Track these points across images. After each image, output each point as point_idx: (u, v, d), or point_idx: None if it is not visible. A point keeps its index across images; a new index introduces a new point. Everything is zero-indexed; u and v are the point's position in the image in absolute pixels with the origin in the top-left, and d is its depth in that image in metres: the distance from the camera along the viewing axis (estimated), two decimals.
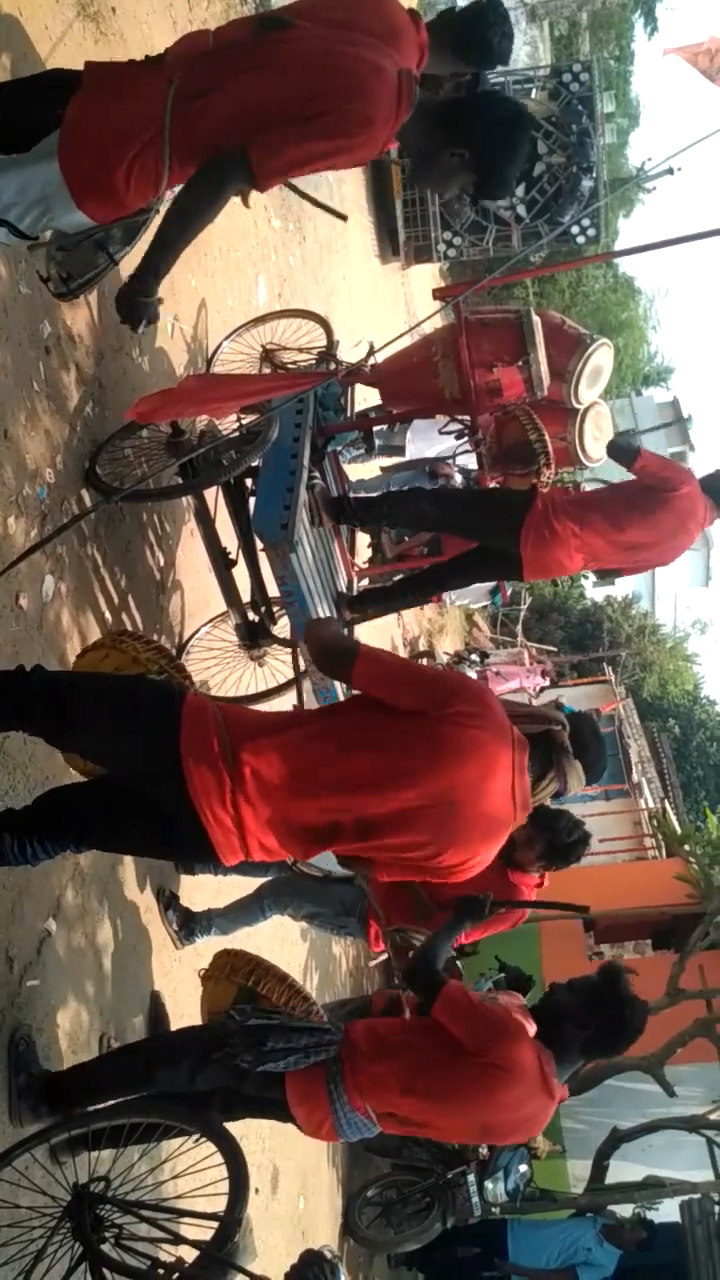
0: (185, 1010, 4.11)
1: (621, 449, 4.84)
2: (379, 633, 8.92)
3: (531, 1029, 3.29)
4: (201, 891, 4.58)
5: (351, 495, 4.82)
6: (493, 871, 4.29)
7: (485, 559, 4.80)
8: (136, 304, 2.76)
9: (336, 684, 3.79)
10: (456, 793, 2.47)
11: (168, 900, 4.22)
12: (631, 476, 4.76)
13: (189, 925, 4.30)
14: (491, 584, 6.09)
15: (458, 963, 4.19)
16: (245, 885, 4.68)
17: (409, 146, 2.79)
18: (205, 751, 2.41)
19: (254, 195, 2.75)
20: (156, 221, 2.73)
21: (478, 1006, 3.12)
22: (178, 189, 2.64)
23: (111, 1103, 2.92)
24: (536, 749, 2.64)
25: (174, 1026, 3.96)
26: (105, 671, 3.02)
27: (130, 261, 2.85)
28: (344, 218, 4.20)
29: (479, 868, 2.65)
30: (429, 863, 2.59)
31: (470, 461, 5.19)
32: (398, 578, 5.39)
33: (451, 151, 2.74)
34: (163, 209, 2.70)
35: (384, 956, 4.64)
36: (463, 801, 2.48)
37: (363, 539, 5.49)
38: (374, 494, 5.18)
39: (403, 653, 10.47)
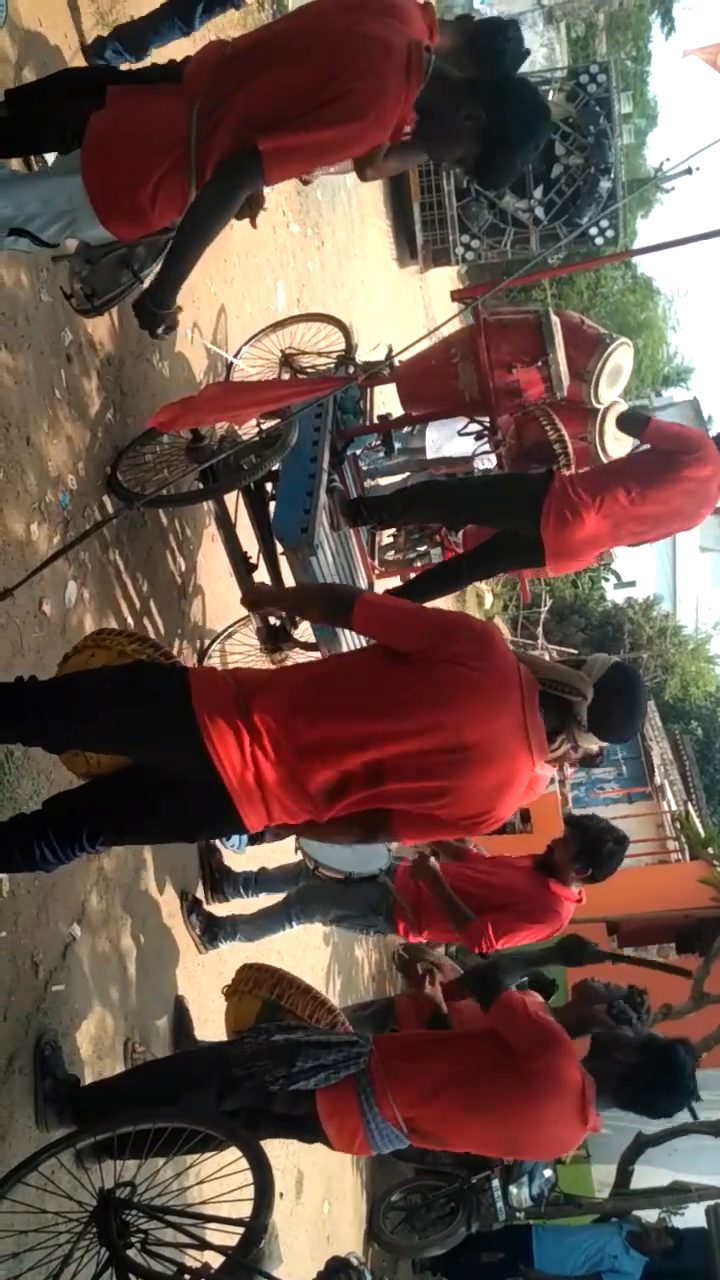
0: (209, 1016, 4.12)
1: (631, 419, 4.77)
2: None
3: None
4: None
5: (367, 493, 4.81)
6: (535, 884, 4.28)
7: (507, 547, 4.71)
8: (155, 315, 2.77)
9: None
10: (464, 734, 2.42)
11: (191, 904, 4.23)
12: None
13: (212, 929, 4.31)
14: None
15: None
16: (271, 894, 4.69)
17: (422, 104, 2.65)
18: (220, 706, 2.39)
19: (269, 207, 2.74)
20: None
21: (535, 1016, 3.09)
22: None
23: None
24: (553, 707, 2.58)
25: (198, 1033, 3.96)
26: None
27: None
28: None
29: (500, 818, 2.59)
30: (443, 812, 2.53)
31: (490, 462, 5.17)
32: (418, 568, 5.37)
33: (468, 114, 2.64)
34: None
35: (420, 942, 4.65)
36: (472, 743, 2.43)
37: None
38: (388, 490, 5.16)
39: None
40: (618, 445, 5.50)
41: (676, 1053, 3.13)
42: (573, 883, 4.24)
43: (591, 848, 4.18)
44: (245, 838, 4.24)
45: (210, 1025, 4.06)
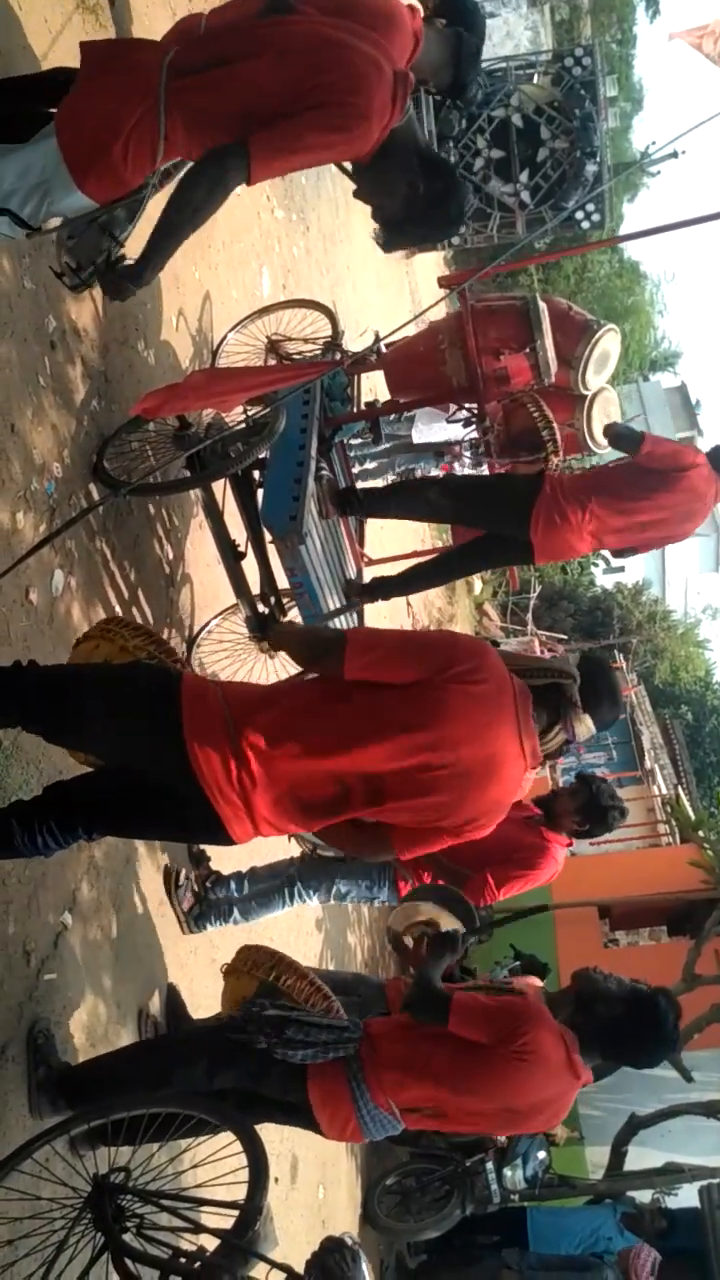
0: (201, 1003, 4.12)
1: (624, 436, 4.81)
2: (389, 623, 8.91)
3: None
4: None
5: (358, 484, 4.81)
6: (527, 832, 4.33)
7: (496, 544, 4.79)
8: (124, 287, 2.80)
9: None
10: (463, 751, 2.46)
11: (177, 879, 4.20)
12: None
13: (200, 908, 4.28)
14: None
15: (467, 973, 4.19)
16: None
17: (390, 141, 2.75)
18: (209, 732, 2.40)
19: (257, 186, 2.76)
20: (155, 199, 2.74)
21: (490, 1005, 3.10)
22: (173, 163, 2.65)
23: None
24: (545, 700, 2.63)
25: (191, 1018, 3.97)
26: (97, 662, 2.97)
27: (134, 243, 2.86)
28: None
29: (496, 822, 2.64)
30: (444, 823, 2.58)
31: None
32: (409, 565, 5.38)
33: (411, 180, 2.78)
34: (163, 188, 2.72)
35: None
36: (471, 759, 2.47)
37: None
38: (379, 480, 5.15)
39: None
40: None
41: (659, 1003, 3.17)
42: (564, 832, 4.29)
43: (597, 808, 4.26)
44: None
45: (202, 1012, 4.06)
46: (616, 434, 4.92)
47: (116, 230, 2.88)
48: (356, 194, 3.00)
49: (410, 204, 2.82)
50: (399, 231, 3.00)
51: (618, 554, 5.02)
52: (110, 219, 2.85)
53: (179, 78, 2.55)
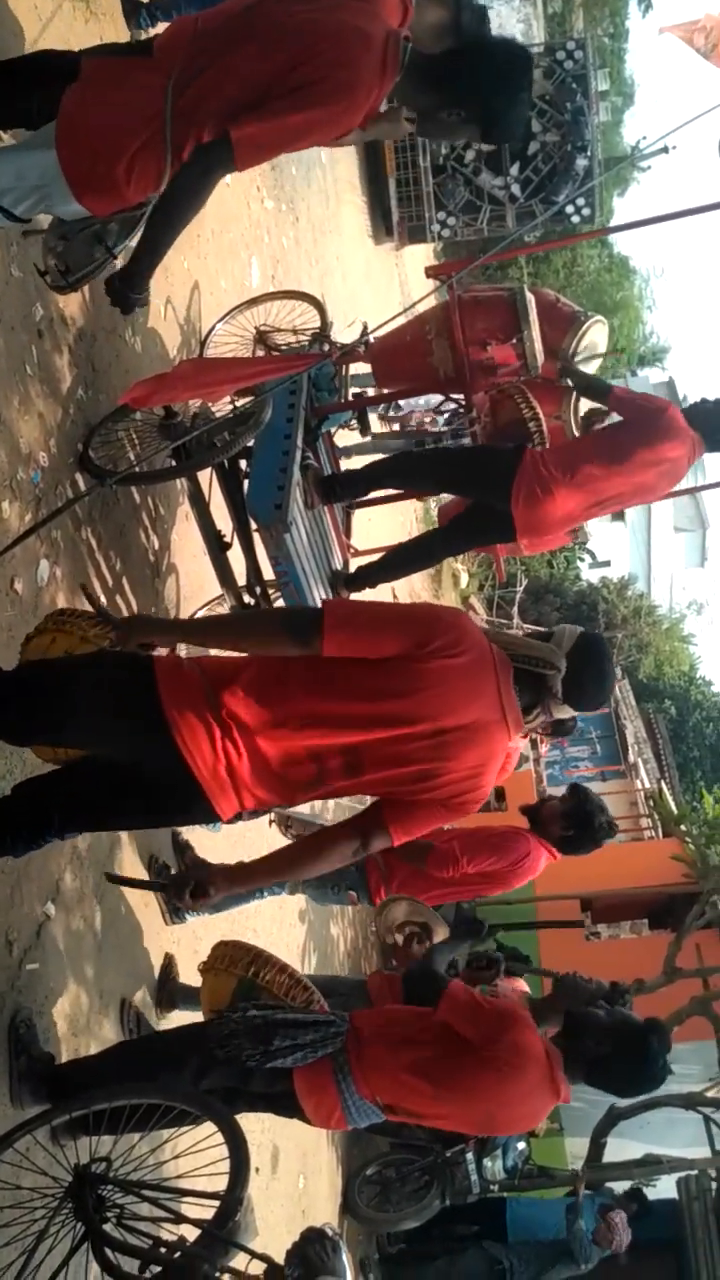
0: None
1: (593, 387, 4.78)
2: None
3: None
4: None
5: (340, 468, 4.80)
6: (508, 827, 4.33)
7: (478, 522, 4.73)
8: (128, 298, 2.77)
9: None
10: (444, 720, 2.42)
11: (159, 869, 4.20)
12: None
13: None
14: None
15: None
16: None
17: (409, 103, 2.78)
18: (188, 698, 2.35)
19: (247, 176, 2.75)
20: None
21: (481, 1003, 3.11)
22: None
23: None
24: (526, 682, 2.59)
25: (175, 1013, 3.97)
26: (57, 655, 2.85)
27: (128, 253, 2.84)
28: None
29: (484, 792, 2.58)
30: (424, 795, 2.51)
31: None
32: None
33: (450, 112, 2.73)
34: None
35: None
36: (452, 727, 2.43)
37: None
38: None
39: None
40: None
41: (649, 1043, 3.14)
42: (550, 839, 4.30)
43: (583, 814, 4.27)
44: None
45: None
46: (588, 386, 4.88)
47: (109, 241, 2.86)
48: (419, 142, 2.93)
49: (473, 119, 2.77)
50: (496, 138, 2.92)
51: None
52: (104, 229, 2.83)
53: (181, 96, 2.53)
